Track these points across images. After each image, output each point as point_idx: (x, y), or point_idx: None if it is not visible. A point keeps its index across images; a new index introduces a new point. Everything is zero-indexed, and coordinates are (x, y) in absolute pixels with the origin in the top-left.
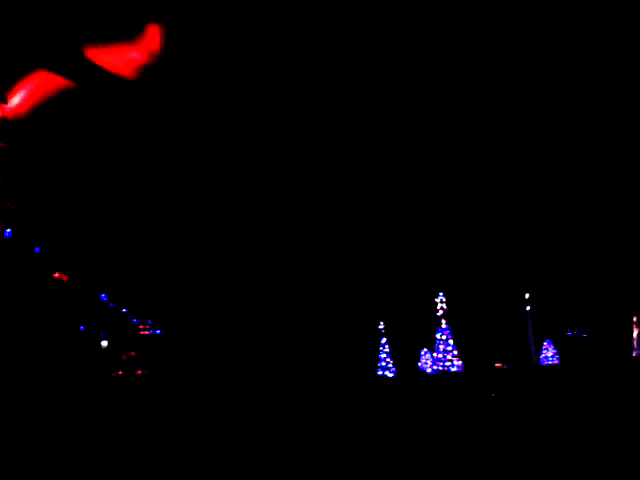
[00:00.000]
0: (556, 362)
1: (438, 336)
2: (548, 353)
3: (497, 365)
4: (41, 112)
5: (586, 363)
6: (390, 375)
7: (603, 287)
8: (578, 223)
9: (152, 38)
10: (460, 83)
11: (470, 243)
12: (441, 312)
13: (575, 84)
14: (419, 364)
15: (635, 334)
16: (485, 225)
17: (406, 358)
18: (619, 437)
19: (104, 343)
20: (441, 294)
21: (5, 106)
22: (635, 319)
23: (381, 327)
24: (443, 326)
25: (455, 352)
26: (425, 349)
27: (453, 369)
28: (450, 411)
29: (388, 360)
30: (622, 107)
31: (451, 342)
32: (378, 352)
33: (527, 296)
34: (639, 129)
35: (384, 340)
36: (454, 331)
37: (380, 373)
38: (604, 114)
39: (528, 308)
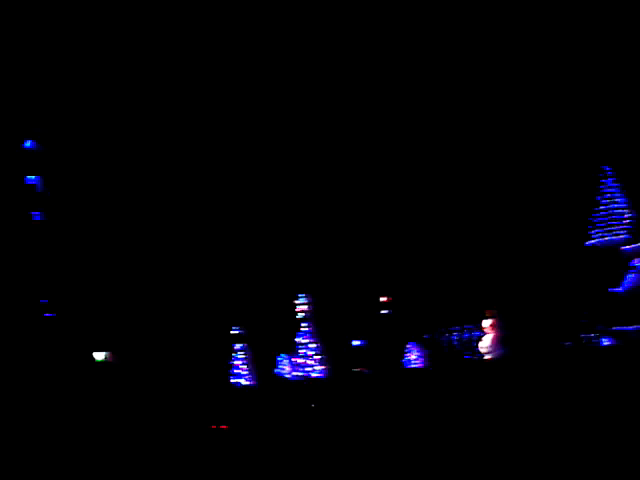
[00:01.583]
0: (420, 365)
1: (298, 340)
2: (412, 356)
3: (357, 369)
4: None
5: (451, 365)
6: (245, 383)
7: (462, 287)
8: (436, 223)
9: None
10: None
11: (331, 242)
12: (302, 314)
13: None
14: (277, 370)
15: (489, 337)
16: (346, 225)
17: (263, 364)
18: (486, 441)
19: None
20: (301, 295)
21: None
22: (491, 322)
23: (235, 331)
24: (304, 329)
25: (316, 356)
26: (284, 354)
27: (314, 375)
28: (312, 419)
29: (243, 367)
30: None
31: (312, 346)
32: (231, 358)
33: (385, 299)
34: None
35: (238, 345)
36: (316, 334)
37: (234, 381)
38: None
39: (387, 311)
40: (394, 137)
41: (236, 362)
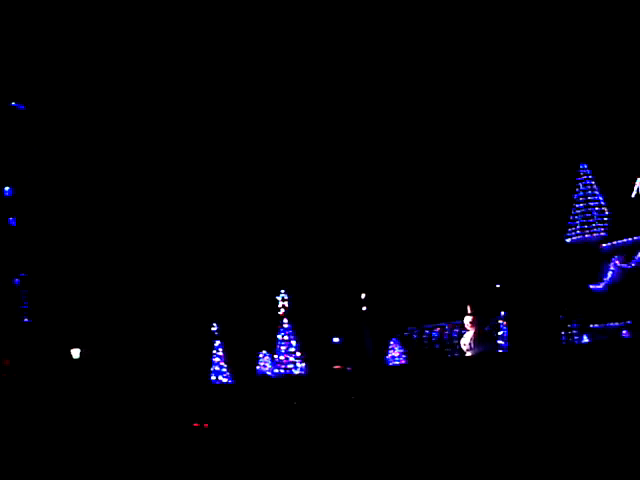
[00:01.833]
0: (403, 362)
1: (279, 337)
2: (394, 353)
3: (337, 367)
4: None
5: (432, 362)
6: (225, 380)
7: (442, 285)
8: (417, 222)
9: None
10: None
11: (311, 240)
12: (283, 311)
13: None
14: (258, 367)
15: (470, 334)
16: (326, 224)
17: (243, 361)
18: (467, 436)
19: None
20: (282, 292)
21: None
22: (471, 319)
23: (214, 328)
24: (285, 326)
25: (298, 354)
26: (264, 351)
27: (296, 372)
28: (296, 417)
29: (222, 364)
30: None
31: (294, 343)
32: (211, 356)
33: (364, 296)
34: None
35: (218, 343)
36: (297, 331)
37: (214, 378)
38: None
39: (365, 308)
40: (370, 138)
41: (216, 359)
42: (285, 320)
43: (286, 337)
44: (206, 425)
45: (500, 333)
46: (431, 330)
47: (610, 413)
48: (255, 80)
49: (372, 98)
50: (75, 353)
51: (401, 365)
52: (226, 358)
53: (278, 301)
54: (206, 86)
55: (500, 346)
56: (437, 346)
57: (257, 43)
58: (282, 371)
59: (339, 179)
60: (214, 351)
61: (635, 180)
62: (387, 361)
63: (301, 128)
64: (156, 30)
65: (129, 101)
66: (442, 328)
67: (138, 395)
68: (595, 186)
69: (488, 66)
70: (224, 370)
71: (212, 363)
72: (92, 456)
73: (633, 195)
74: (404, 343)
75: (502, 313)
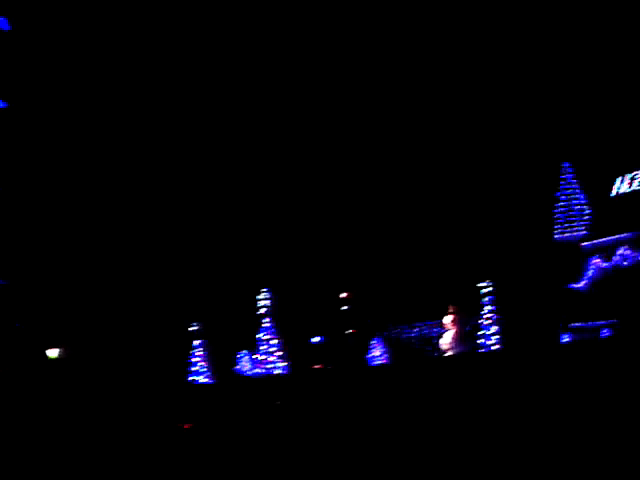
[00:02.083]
0: (385, 361)
1: (260, 336)
2: (376, 352)
3: (317, 366)
4: None
5: (414, 361)
6: (204, 380)
7: (424, 284)
8: (399, 220)
9: None
10: None
11: (292, 239)
12: (264, 310)
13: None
14: (237, 367)
15: (452, 333)
16: (307, 223)
17: (222, 361)
18: (447, 435)
19: None
20: (265, 290)
21: None
22: (452, 318)
23: (194, 328)
24: (266, 325)
25: (279, 353)
26: (244, 350)
27: (276, 371)
28: (276, 417)
29: (202, 364)
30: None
31: (274, 342)
32: (190, 355)
33: (346, 295)
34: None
35: (197, 342)
36: (279, 330)
37: (192, 379)
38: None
39: (346, 307)
40: (352, 141)
41: (195, 359)
42: (266, 319)
43: (267, 336)
44: (186, 426)
45: (481, 333)
46: (411, 329)
47: (591, 412)
48: (246, 77)
49: (357, 96)
50: (52, 353)
51: (383, 364)
52: (206, 358)
53: (259, 300)
54: (191, 80)
55: (480, 345)
56: (417, 345)
57: (257, 43)
58: (262, 371)
59: (320, 179)
60: (194, 350)
61: (615, 179)
62: (369, 360)
63: (284, 128)
64: (148, 26)
65: (113, 100)
66: (422, 328)
67: (117, 395)
68: (577, 185)
69: (471, 67)
70: (204, 370)
71: (191, 363)
72: (71, 456)
73: (613, 194)
74: (386, 342)
75: (482, 313)
